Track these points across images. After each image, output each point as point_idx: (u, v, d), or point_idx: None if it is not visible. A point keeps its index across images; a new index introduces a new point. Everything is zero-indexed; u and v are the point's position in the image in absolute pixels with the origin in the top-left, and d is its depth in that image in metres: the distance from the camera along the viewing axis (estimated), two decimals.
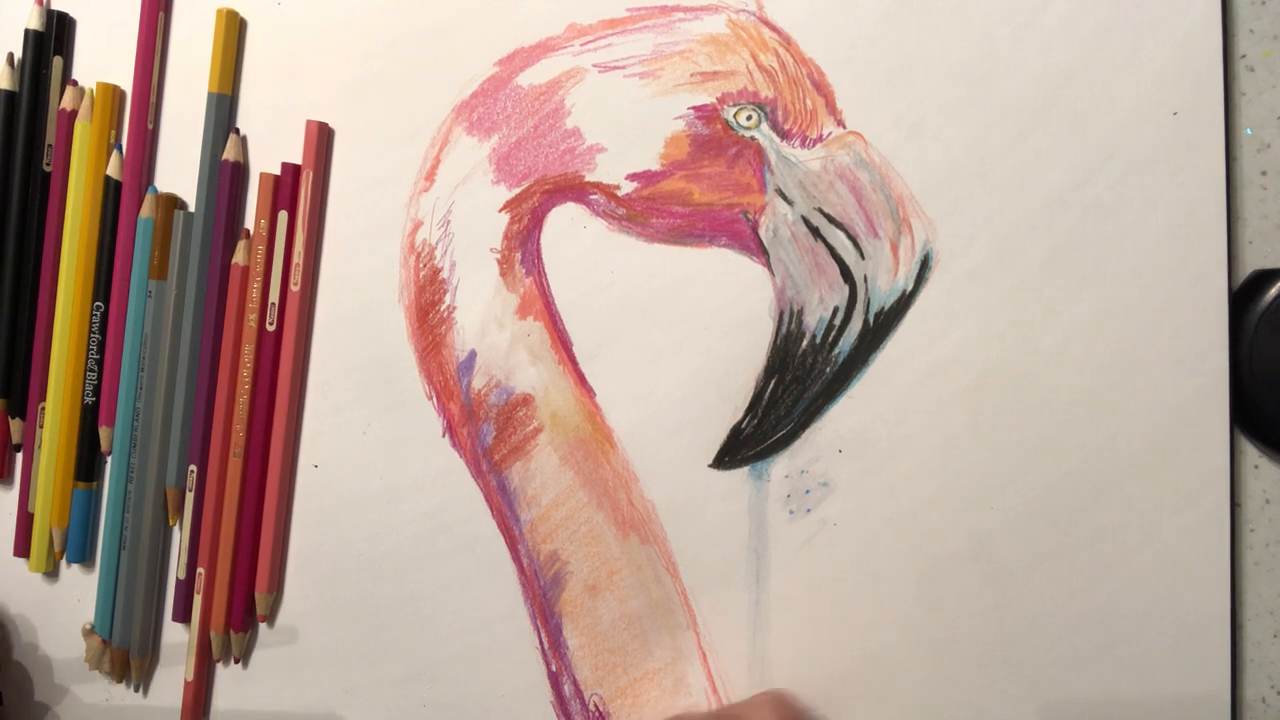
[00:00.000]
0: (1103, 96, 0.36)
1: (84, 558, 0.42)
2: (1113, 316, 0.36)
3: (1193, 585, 0.35)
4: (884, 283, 0.37)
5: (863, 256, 0.37)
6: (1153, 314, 0.35)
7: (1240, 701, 0.35)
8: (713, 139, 0.38)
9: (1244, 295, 0.35)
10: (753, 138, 0.38)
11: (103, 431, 0.42)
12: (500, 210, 0.39)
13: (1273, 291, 0.34)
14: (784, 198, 0.37)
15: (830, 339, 0.37)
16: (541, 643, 0.38)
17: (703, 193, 0.38)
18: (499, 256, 0.39)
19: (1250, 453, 0.36)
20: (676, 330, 0.38)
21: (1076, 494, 0.36)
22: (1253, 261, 0.36)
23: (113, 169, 0.42)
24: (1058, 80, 0.36)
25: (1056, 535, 0.36)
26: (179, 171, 0.42)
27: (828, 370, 0.37)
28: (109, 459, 0.42)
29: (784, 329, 0.37)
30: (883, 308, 0.37)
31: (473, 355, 0.39)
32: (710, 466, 0.38)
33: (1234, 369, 0.35)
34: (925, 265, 0.37)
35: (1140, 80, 0.36)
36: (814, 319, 0.37)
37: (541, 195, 0.39)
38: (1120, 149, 0.36)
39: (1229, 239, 0.35)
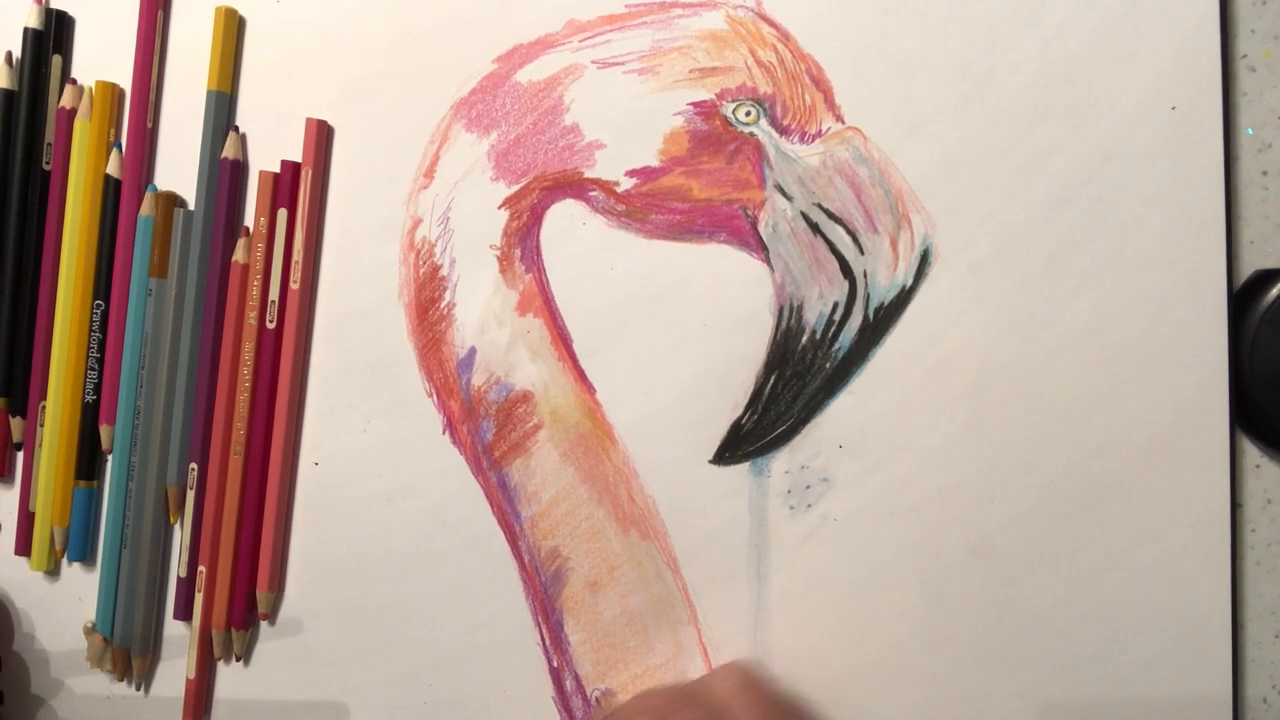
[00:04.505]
0: (1103, 95, 0.36)
1: (85, 556, 0.42)
2: (1113, 314, 0.36)
3: (1193, 585, 0.35)
4: (883, 278, 0.37)
5: (862, 252, 0.37)
6: (1153, 313, 0.35)
7: (1241, 701, 0.35)
8: (712, 135, 0.38)
9: (1244, 295, 0.35)
10: (752, 133, 0.37)
11: (103, 430, 0.42)
12: (499, 207, 0.39)
13: (1273, 291, 0.34)
14: (783, 193, 0.37)
15: (830, 334, 0.37)
16: (543, 639, 0.39)
17: (702, 189, 0.38)
18: (498, 253, 0.39)
19: (1250, 453, 0.36)
20: (676, 326, 0.38)
21: (1077, 492, 0.36)
22: (1253, 261, 0.36)
23: (112, 167, 0.42)
24: (1058, 78, 0.36)
25: (1057, 533, 0.36)
26: (179, 169, 0.42)
27: (828, 365, 0.37)
28: (110, 457, 0.42)
29: (784, 324, 0.37)
30: (882, 303, 0.37)
31: (472, 352, 0.39)
32: (711, 462, 0.38)
33: (1234, 369, 0.35)
34: (925, 260, 0.37)
35: (1140, 79, 0.36)
36: (814, 314, 0.37)
37: (541, 192, 0.39)
38: (1120, 147, 0.36)
39: (1229, 239, 0.35)
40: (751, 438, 0.37)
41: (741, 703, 0.33)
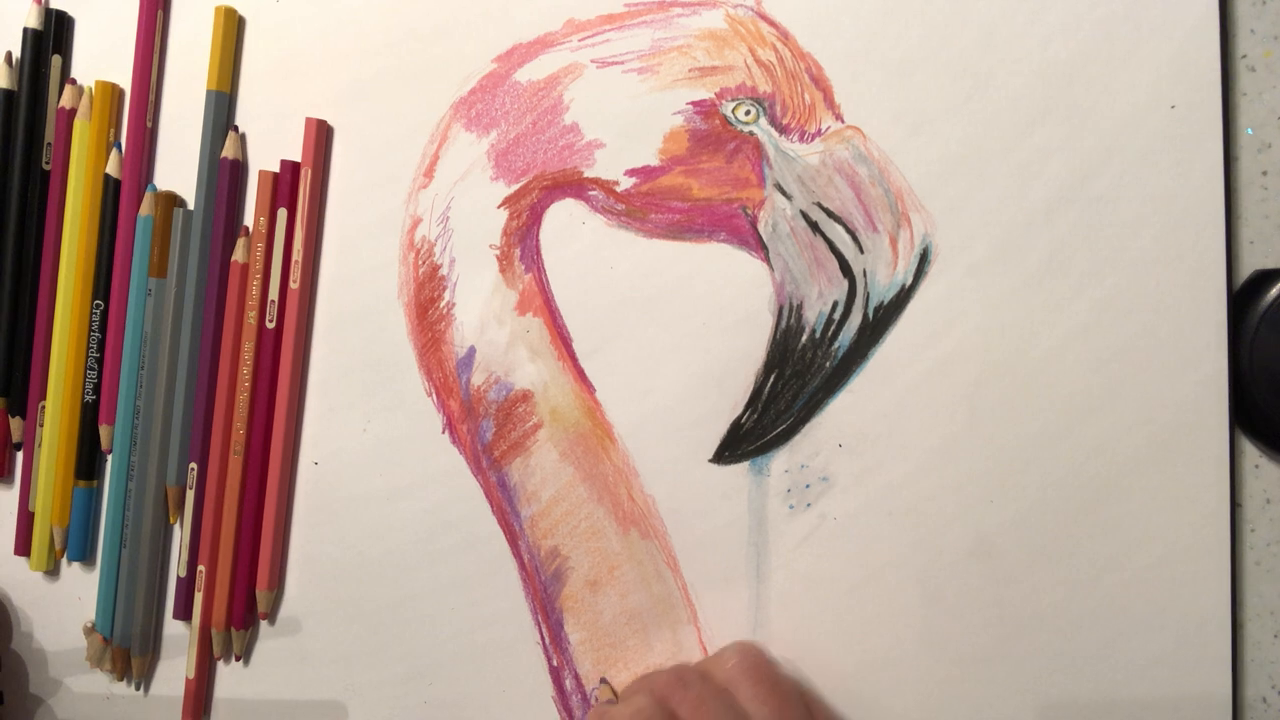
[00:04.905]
0: (1103, 95, 0.36)
1: (85, 556, 0.42)
2: (1113, 314, 0.36)
3: (1193, 585, 0.35)
4: (883, 277, 0.37)
5: (861, 251, 0.37)
6: (1153, 313, 0.35)
7: (1241, 701, 0.35)
8: (711, 134, 0.38)
9: (1244, 295, 0.35)
10: (751, 132, 0.37)
11: (103, 430, 0.42)
12: (499, 206, 0.39)
13: (1273, 291, 0.34)
14: (783, 192, 0.37)
15: (830, 333, 0.37)
16: (543, 638, 0.39)
17: (701, 188, 0.38)
18: (498, 253, 0.39)
19: (1250, 453, 0.36)
20: (676, 326, 0.38)
21: (1076, 492, 0.36)
22: (1253, 261, 0.36)
23: (112, 167, 0.42)
24: (1058, 78, 0.36)
25: (1056, 533, 0.36)
26: (178, 169, 0.42)
27: (827, 365, 0.37)
28: (109, 457, 0.42)
29: (783, 324, 0.37)
30: (882, 302, 0.37)
31: (472, 352, 0.39)
32: (710, 462, 0.38)
33: (1234, 369, 0.35)
34: (924, 259, 0.37)
35: (1140, 79, 0.36)
36: (813, 313, 0.37)
37: (540, 191, 0.39)
38: (1120, 147, 0.36)
39: (1229, 239, 0.35)
40: (751, 437, 0.37)
41: (743, 684, 0.33)
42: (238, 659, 0.41)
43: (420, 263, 0.40)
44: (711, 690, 0.33)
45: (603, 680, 0.38)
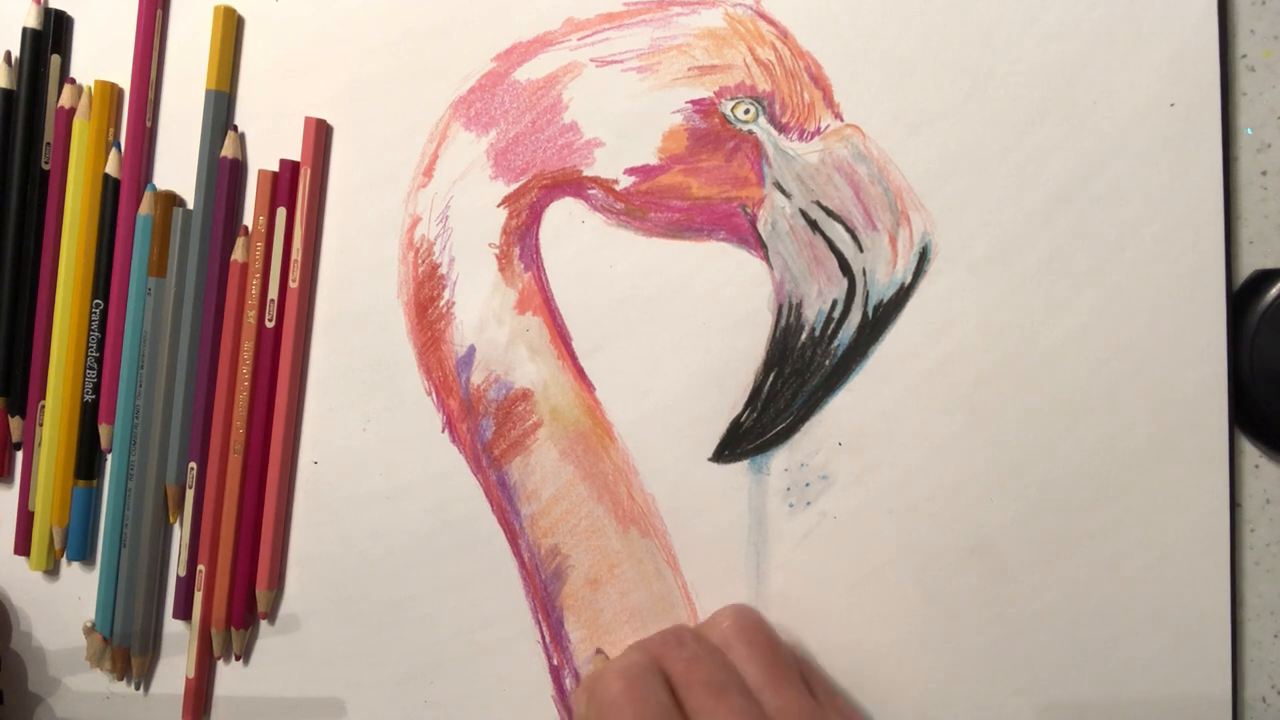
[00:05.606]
0: (1103, 95, 0.36)
1: (84, 556, 0.42)
2: (1112, 314, 0.36)
3: (1193, 585, 0.35)
4: (882, 275, 0.37)
5: (861, 249, 0.37)
6: (1153, 313, 0.35)
7: (1241, 701, 0.35)
8: (710, 133, 0.38)
9: (1244, 295, 0.35)
10: (750, 131, 0.37)
11: (103, 429, 0.42)
12: (498, 205, 0.39)
13: (1273, 291, 0.34)
14: (782, 191, 0.37)
15: (829, 332, 0.37)
16: (543, 636, 0.39)
17: (701, 187, 0.38)
18: (497, 252, 0.39)
19: (1250, 453, 0.36)
20: (675, 324, 0.38)
21: (1076, 492, 0.35)
22: (1253, 261, 0.36)
23: (111, 167, 0.42)
24: (1058, 78, 0.36)
25: (1056, 533, 0.36)
26: (178, 169, 0.42)
27: (827, 363, 0.37)
28: (109, 457, 0.42)
29: (783, 322, 0.37)
30: (881, 300, 0.37)
31: (471, 351, 0.39)
32: (710, 460, 0.38)
33: (1234, 369, 0.35)
34: (924, 258, 0.37)
35: (1140, 78, 0.36)
36: (813, 312, 0.37)
37: (539, 190, 0.39)
38: (1120, 147, 0.36)
39: (1229, 239, 0.35)
40: (751, 436, 0.37)
41: (737, 644, 0.33)
42: (237, 658, 0.41)
43: (420, 262, 0.40)
44: (705, 649, 0.33)
45: (598, 651, 0.38)
